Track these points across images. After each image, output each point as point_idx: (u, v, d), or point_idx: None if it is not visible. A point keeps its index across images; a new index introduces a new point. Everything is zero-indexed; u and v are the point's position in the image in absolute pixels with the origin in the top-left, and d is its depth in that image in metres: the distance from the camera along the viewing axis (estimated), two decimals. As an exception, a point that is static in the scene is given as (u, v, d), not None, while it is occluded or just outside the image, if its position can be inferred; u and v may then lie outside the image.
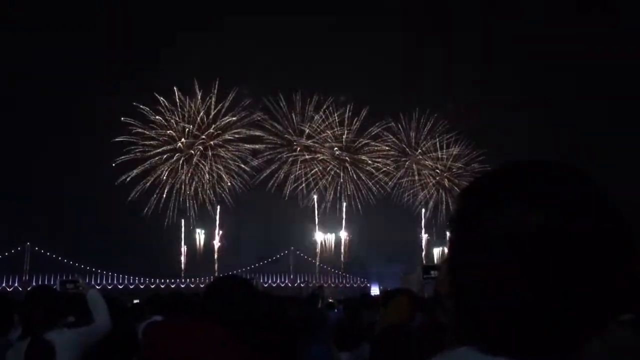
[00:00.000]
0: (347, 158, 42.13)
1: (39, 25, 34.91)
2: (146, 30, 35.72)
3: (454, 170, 42.81)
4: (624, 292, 0.82)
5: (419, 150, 42.81)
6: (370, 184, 42.38)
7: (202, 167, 41.13)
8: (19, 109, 35.49)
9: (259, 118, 40.97)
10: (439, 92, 40.07)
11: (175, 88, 40.32)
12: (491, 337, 0.84)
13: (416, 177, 42.97)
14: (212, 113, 40.84)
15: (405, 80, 38.22)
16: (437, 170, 42.92)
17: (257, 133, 41.02)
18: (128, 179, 39.54)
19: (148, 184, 40.19)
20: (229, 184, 40.87)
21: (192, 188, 40.97)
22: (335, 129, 41.97)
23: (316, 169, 41.93)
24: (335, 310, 11.68)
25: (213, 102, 40.62)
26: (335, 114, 41.79)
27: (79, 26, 35.37)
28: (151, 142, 40.17)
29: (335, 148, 42.03)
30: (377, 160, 42.37)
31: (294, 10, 38.27)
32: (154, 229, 40.02)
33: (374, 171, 42.24)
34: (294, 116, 41.49)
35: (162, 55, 37.47)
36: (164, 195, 40.69)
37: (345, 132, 42.00)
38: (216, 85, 40.30)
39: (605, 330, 0.86)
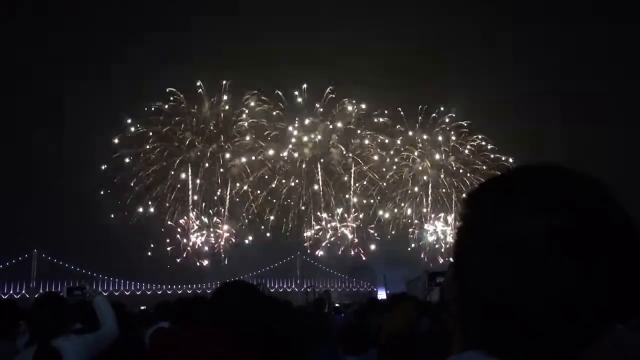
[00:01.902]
0: (353, 169, 42.13)
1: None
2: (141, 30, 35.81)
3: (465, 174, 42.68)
4: (633, 296, 0.81)
5: (427, 161, 42.74)
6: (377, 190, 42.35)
7: (211, 176, 41.26)
8: (24, 116, 35.72)
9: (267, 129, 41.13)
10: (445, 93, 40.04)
11: (181, 94, 40.51)
12: (498, 341, 0.84)
13: (420, 183, 42.89)
14: (221, 120, 40.98)
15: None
16: (442, 177, 42.81)
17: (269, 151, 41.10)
18: (136, 189, 39.73)
19: (155, 192, 40.32)
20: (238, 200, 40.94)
21: (201, 197, 41.09)
22: (341, 136, 42.05)
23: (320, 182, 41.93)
24: (342, 315, 11.67)
25: (222, 108, 40.77)
26: (338, 119, 41.88)
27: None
28: (158, 150, 40.35)
29: (342, 157, 42.06)
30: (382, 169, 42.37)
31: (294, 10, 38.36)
32: (161, 235, 40.12)
33: (381, 184, 42.18)
34: (298, 122, 41.60)
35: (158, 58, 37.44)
36: (171, 200, 40.80)
37: (352, 142, 42.07)
38: (226, 88, 40.46)
39: (615, 335, 0.86)
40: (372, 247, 41.61)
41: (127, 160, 39.75)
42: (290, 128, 41.73)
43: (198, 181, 41.06)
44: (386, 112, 41.87)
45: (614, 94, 35.64)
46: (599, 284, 0.79)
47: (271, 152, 41.25)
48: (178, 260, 40.04)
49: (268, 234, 40.98)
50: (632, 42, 34.04)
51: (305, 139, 41.85)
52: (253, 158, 41.09)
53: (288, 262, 40.25)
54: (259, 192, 41.32)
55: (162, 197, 40.65)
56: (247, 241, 40.60)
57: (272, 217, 41.30)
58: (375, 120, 42.19)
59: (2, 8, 34.27)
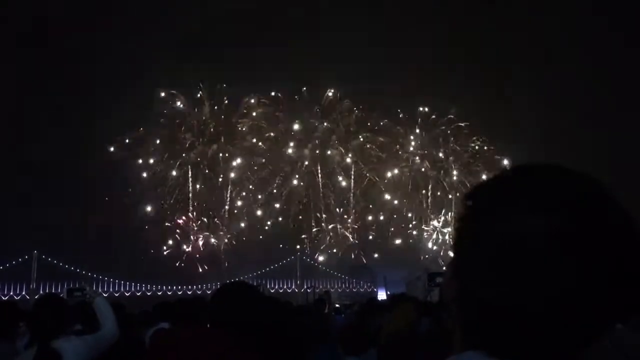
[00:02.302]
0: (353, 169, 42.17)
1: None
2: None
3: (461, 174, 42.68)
4: (633, 296, 0.81)
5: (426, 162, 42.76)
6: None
7: (212, 177, 41.27)
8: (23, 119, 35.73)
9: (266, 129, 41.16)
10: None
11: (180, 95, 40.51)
12: (498, 341, 0.84)
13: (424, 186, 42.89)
14: (221, 122, 41.01)
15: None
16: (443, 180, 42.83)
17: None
18: (137, 190, 39.78)
19: (155, 193, 40.31)
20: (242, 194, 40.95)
21: (201, 198, 41.08)
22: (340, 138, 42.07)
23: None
24: (342, 315, 11.66)
25: (222, 110, 40.80)
26: (340, 118, 41.89)
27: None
28: (158, 152, 40.39)
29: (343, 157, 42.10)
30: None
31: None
32: (161, 236, 40.10)
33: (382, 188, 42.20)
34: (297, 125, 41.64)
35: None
36: (171, 202, 40.82)
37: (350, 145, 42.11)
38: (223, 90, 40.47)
39: (615, 334, 0.86)
40: (372, 247, 41.61)
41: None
42: (292, 128, 41.82)
43: (198, 183, 41.10)
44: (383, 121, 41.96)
45: (615, 95, 35.63)
46: (599, 284, 0.79)
47: (271, 153, 41.33)
48: (177, 263, 40.05)
49: (268, 236, 40.97)
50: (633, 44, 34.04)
51: (305, 140, 41.89)
52: (252, 162, 41.15)
53: (288, 263, 40.24)
54: (259, 196, 41.36)
55: (162, 198, 40.66)
56: (247, 241, 40.60)
57: (271, 221, 41.34)
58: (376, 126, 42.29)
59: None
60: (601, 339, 0.83)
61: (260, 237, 40.67)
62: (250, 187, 41.34)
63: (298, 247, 41.03)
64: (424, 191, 42.99)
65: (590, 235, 0.79)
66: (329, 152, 42.12)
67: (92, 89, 36.16)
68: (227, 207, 41.18)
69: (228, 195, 41.13)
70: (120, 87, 36.26)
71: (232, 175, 41.02)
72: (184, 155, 40.74)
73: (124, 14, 36.99)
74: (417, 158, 42.90)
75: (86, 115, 35.73)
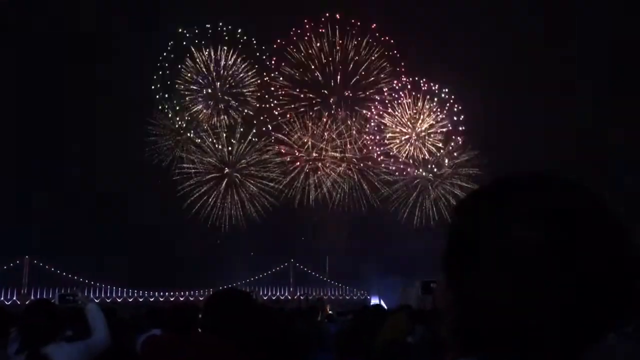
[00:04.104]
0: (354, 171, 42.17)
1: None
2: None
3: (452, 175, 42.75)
4: (626, 303, 0.81)
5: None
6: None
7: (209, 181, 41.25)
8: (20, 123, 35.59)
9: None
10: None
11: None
12: (492, 350, 0.84)
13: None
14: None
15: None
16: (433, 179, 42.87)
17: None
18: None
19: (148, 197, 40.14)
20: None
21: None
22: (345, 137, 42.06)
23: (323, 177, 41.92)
24: (335, 323, 11.62)
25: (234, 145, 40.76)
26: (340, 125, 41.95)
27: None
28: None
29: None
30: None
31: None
32: (154, 241, 39.90)
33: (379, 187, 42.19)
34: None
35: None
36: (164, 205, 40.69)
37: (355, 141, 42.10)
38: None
39: (608, 342, 0.86)
40: (366, 254, 41.55)
41: None
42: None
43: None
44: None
45: (615, 95, 35.56)
46: (596, 290, 0.79)
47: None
48: (171, 267, 39.84)
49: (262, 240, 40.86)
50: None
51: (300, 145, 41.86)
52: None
53: (281, 270, 40.14)
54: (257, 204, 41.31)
55: (155, 202, 40.49)
56: (240, 247, 40.46)
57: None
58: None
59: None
60: (596, 345, 0.83)
61: (254, 242, 40.53)
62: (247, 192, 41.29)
63: (291, 253, 40.96)
64: (418, 196, 43.00)
65: (586, 243, 0.80)
66: (324, 157, 42.10)
67: (92, 92, 36.04)
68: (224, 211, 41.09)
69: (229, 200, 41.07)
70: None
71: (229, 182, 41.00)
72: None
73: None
74: (412, 163, 42.96)
75: (88, 117, 35.68)
